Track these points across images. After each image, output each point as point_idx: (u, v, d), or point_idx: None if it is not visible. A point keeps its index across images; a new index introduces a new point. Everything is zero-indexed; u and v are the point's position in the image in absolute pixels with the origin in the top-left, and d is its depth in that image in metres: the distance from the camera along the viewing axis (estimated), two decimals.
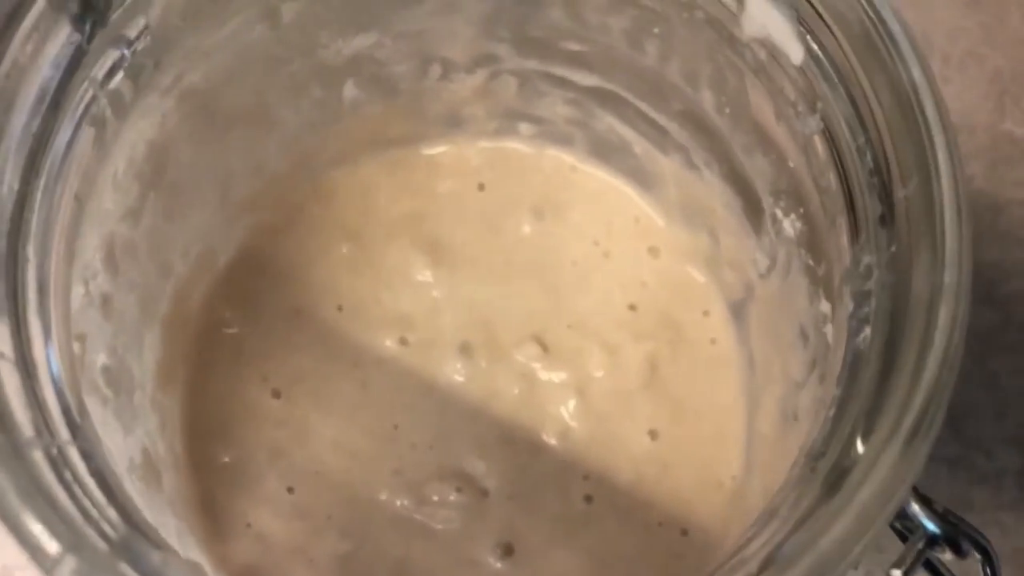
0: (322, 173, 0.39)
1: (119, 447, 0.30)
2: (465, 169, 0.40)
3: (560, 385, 0.37)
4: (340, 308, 0.38)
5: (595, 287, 0.38)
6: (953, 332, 0.21)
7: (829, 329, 0.28)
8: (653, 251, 0.39)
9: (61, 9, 0.23)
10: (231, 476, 0.36)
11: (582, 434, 0.37)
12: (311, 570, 0.35)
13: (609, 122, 0.38)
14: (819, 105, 0.25)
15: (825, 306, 0.29)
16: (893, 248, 0.22)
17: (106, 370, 0.30)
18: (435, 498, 0.36)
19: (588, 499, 0.36)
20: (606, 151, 0.39)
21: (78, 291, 0.27)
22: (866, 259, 0.23)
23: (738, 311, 0.37)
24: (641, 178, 0.39)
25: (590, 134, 0.39)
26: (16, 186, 0.23)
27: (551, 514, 0.36)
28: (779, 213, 0.31)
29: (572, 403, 0.37)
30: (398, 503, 0.35)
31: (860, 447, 0.21)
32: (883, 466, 0.20)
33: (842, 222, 0.25)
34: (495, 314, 0.38)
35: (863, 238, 0.24)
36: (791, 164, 0.29)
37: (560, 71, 0.36)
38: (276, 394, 0.37)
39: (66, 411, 0.23)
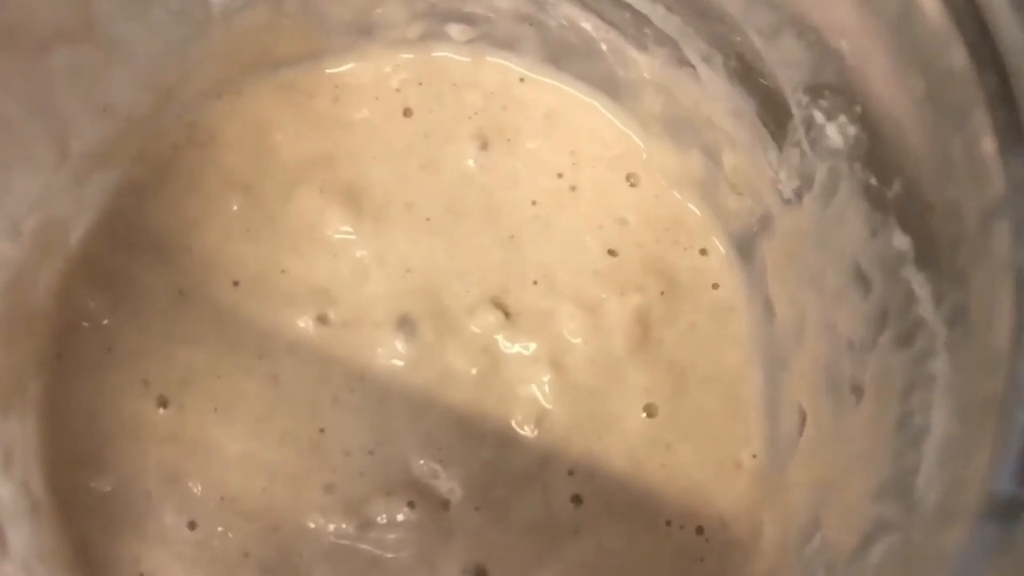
0: (195, 109, 0.37)
1: None
2: (383, 91, 0.38)
3: (530, 358, 0.35)
4: (236, 283, 0.35)
5: (562, 230, 0.37)
6: None
7: (911, 272, 0.25)
8: (632, 179, 0.37)
9: None
10: (112, 511, 0.33)
11: (562, 418, 0.35)
12: None
13: (566, 12, 0.35)
14: None
15: (901, 240, 0.25)
16: None
17: None
18: (381, 519, 0.34)
19: (576, 500, 0.34)
20: (563, 54, 0.37)
21: None
22: None
23: (746, 248, 0.35)
24: (610, 87, 0.37)
25: (542, 33, 0.36)
26: None
27: (531, 524, 0.34)
28: (818, 115, 0.28)
29: (546, 380, 0.35)
30: (332, 529, 0.33)
31: None
32: None
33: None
34: (439, 275, 0.36)
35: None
36: (843, 44, 0.25)
37: None
38: (162, 402, 0.35)
39: None
